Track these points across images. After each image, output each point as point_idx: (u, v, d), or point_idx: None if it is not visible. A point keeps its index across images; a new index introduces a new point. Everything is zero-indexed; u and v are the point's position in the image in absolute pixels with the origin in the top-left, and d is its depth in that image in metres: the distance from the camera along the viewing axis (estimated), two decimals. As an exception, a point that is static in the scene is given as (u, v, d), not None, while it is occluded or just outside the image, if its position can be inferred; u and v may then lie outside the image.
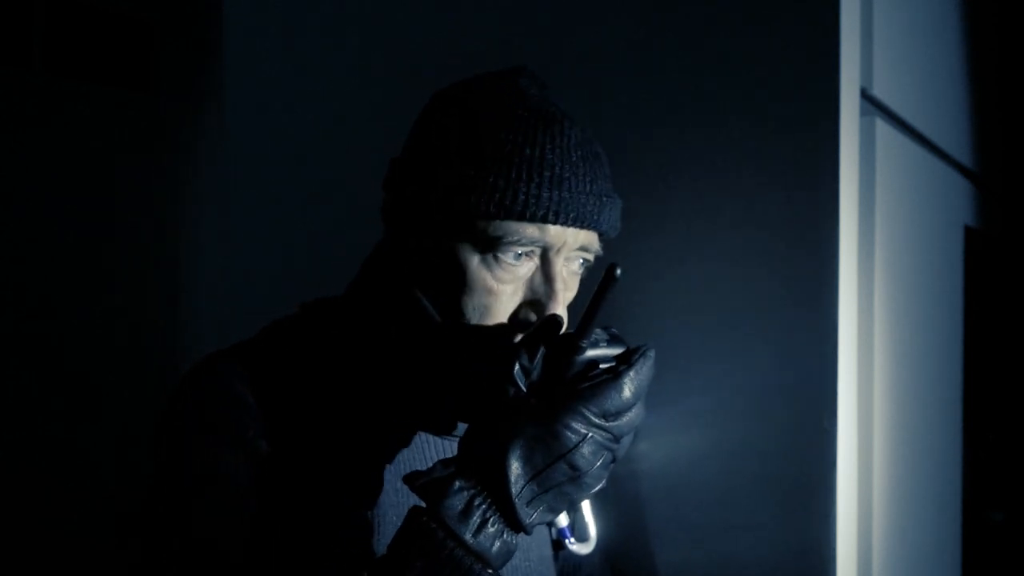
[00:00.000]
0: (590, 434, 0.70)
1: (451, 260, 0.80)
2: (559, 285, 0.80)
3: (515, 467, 0.69)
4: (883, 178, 1.17)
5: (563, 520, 0.90)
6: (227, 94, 1.49)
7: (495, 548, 0.70)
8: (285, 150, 1.43)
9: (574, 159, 0.80)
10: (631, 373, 0.73)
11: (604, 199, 0.81)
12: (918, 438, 1.37)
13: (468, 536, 0.68)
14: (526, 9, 1.22)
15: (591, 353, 0.75)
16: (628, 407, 0.73)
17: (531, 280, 0.81)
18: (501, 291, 0.80)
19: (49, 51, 2.64)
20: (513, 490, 0.69)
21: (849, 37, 1.06)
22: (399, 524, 0.72)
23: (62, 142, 2.65)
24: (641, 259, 1.13)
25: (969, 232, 1.74)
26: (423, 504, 0.71)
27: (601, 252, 0.85)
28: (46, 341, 2.61)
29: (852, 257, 1.08)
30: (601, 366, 0.75)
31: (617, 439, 0.73)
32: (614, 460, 0.74)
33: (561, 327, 0.77)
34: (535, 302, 0.81)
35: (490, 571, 0.69)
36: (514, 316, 0.81)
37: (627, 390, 0.72)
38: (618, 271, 0.70)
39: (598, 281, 0.72)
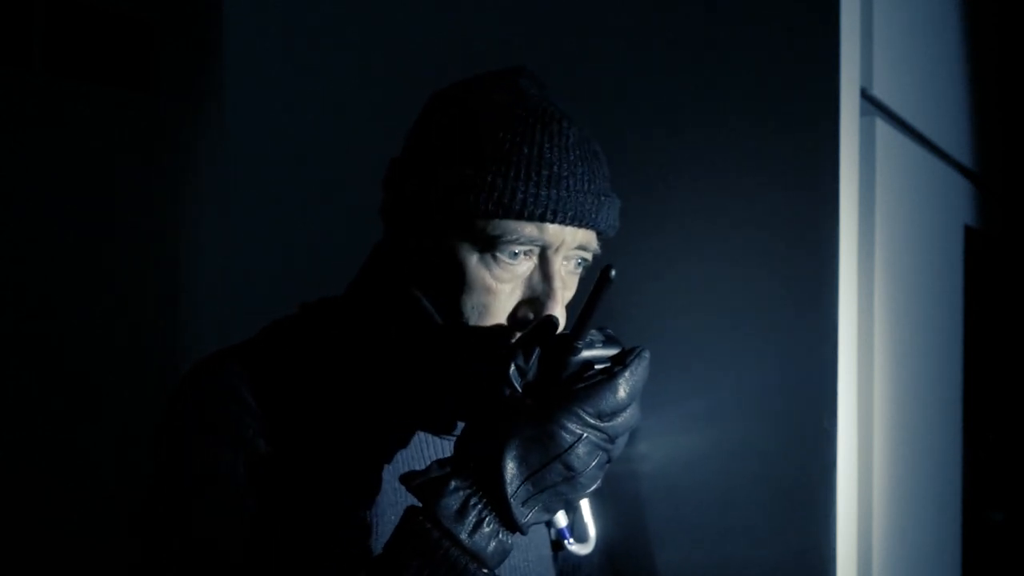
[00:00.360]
0: (585, 434, 0.71)
1: (450, 259, 0.80)
2: (557, 284, 0.80)
3: (510, 467, 0.70)
4: (883, 178, 1.17)
5: (562, 520, 0.90)
6: (227, 94, 1.49)
7: (491, 548, 0.70)
8: (285, 150, 1.43)
9: (572, 158, 0.80)
10: (626, 374, 0.73)
11: (602, 198, 0.81)
12: (918, 438, 1.37)
13: (464, 536, 0.69)
14: (526, 9, 1.22)
15: (586, 354, 0.75)
16: (623, 408, 0.73)
17: (530, 279, 0.81)
18: (500, 290, 0.80)
19: (49, 51, 2.64)
20: (508, 490, 0.69)
21: (849, 37, 1.06)
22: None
23: (62, 142, 2.65)
24: (641, 259, 1.13)
25: (969, 232, 1.74)
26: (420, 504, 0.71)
27: (600, 251, 0.85)
28: (46, 341, 2.61)
29: (852, 257, 1.08)
30: (596, 367, 0.75)
31: (612, 440, 0.73)
32: (609, 460, 0.74)
33: (557, 328, 0.77)
34: (534, 301, 0.81)
35: (485, 571, 0.70)
36: (513, 315, 0.81)
37: (622, 391, 0.72)
38: (613, 272, 0.70)
39: (593, 282, 0.72)
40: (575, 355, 0.74)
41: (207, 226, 2.92)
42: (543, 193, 0.77)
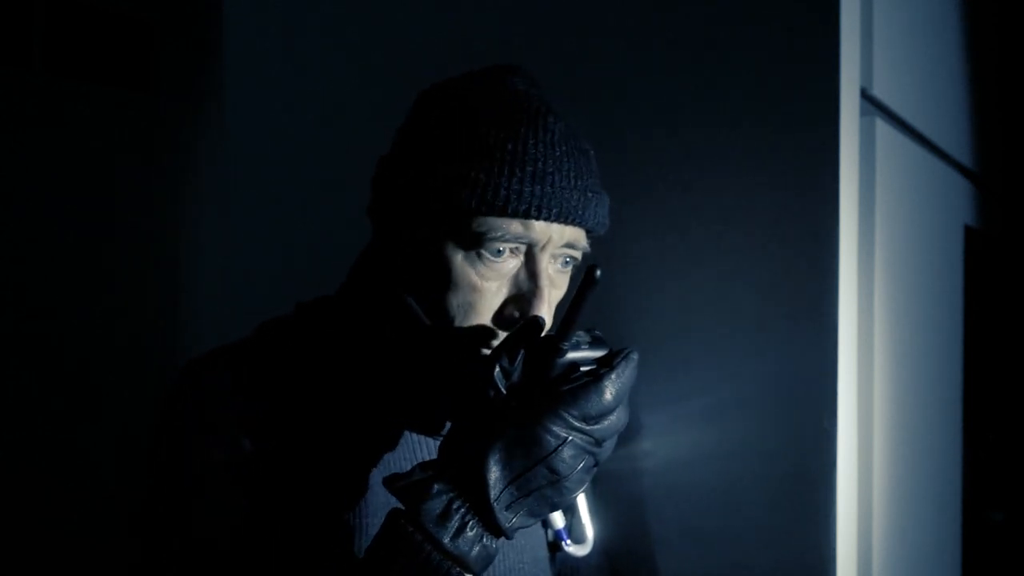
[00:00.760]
0: (570, 437, 0.70)
1: (436, 257, 0.79)
2: (544, 282, 0.79)
3: (494, 471, 0.69)
4: (883, 178, 1.17)
5: (559, 522, 0.90)
6: (227, 94, 1.49)
7: (474, 552, 0.69)
8: (285, 150, 1.43)
9: (558, 154, 0.78)
10: (612, 376, 0.72)
11: (590, 194, 0.80)
12: (918, 438, 1.37)
13: (446, 540, 0.68)
14: (526, 9, 1.22)
15: (572, 355, 0.74)
16: (609, 410, 0.72)
17: (516, 277, 0.80)
18: (486, 288, 0.79)
19: (49, 51, 2.64)
20: (492, 494, 0.68)
21: (849, 37, 1.06)
22: None
23: (62, 142, 2.65)
24: (640, 259, 1.13)
25: (969, 232, 1.74)
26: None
27: (589, 249, 0.84)
28: (46, 341, 2.61)
29: (852, 257, 1.08)
30: (583, 369, 0.74)
31: (599, 443, 0.72)
32: (596, 464, 0.73)
33: (542, 329, 0.76)
34: (520, 299, 0.80)
35: (469, 575, 0.69)
36: (499, 313, 0.80)
37: (608, 393, 0.71)
38: (598, 272, 0.69)
39: (578, 283, 0.71)
40: (560, 356, 0.73)
41: (207, 226, 2.92)
42: (527, 189, 0.76)
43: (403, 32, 1.32)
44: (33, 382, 2.57)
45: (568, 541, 0.91)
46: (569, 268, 0.84)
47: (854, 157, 1.09)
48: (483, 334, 0.80)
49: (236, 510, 0.78)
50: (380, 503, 0.82)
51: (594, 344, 0.76)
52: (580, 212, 0.79)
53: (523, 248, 0.79)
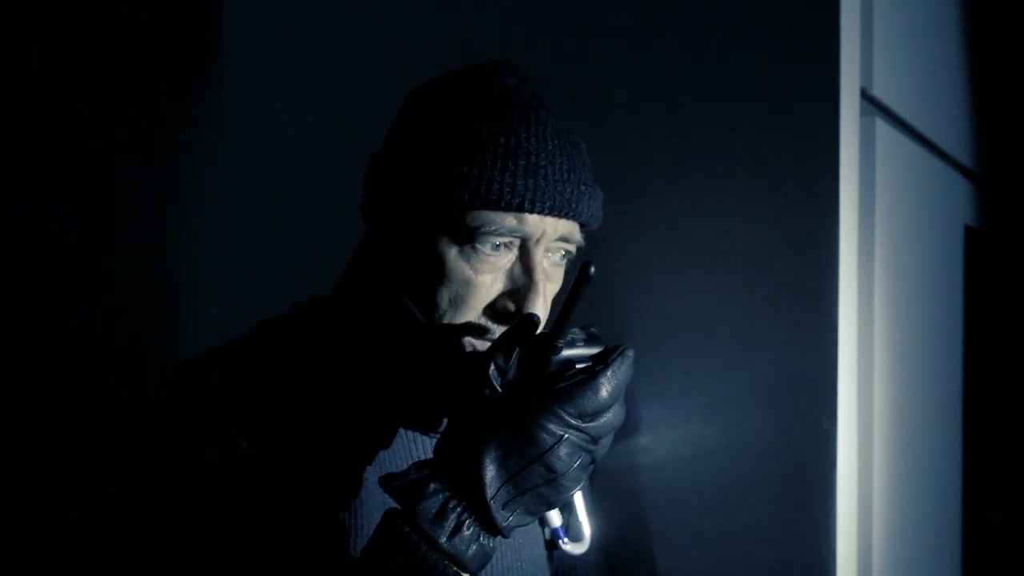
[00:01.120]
0: (566, 435, 0.69)
1: (430, 252, 0.79)
2: (539, 276, 0.79)
3: (490, 470, 0.68)
4: (883, 178, 1.17)
5: (557, 520, 0.89)
6: (227, 94, 1.49)
7: (471, 551, 0.69)
8: (285, 150, 1.43)
9: (550, 147, 0.78)
10: (608, 373, 0.71)
11: (583, 188, 0.80)
12: (918, 438, 1.37)
13: (443, 539, 0.68)
14: (526, 9, 1.22)
15: (567, 353, 0.73)
16: (605, 408, 0.71)
17: (511, 271, 0.80)
18: (480, 282, 0.79)
19: (49, 51, 2.64)
20: (488, 493, 0.68)
21: (849, 37, 1.06)
22: None
23: (62, 142, 2.65)
24: (640, 259, 1.13)
25: (969, 232, 1.74)
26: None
27: (583, 243, 0.84)
28: (46, 341, 2.61)
29: (852, 257, 1.08)
30: (578, 366, 0.74)
31: (595, 440, 0.71)
32: (593, 462, 0.73)
33: (537, 327, 0.76)
34: (514, 293, 0.79)
35: (466, 575, 0.69)
36: (492, 307, 0.80)
37: (604, 390, 0.71)
38: (592, 269, 0.68)
39: (572, 280, 0.71)
40: (556, 354, 0.73)
41: (207, 226, 2.92)
42: (520, 183, 0.76)
43: (403, 32, 1.32)
44: (33, 382, 2.57)
45: (565, 539, 0.90)
46: (564, 262, 0.84)
47: (854, 157, 1.09)
48: (477, 331, 0.80)
49: (235, 510, 0.78)
50: (376, 503, 0.82)
51: (589, 341, 0.76)
52: (574, 205, 0.79)
53: (517, 242, 0.79)
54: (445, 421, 0.87)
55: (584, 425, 0.70)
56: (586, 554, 0.94)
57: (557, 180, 0.78)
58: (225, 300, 1.55)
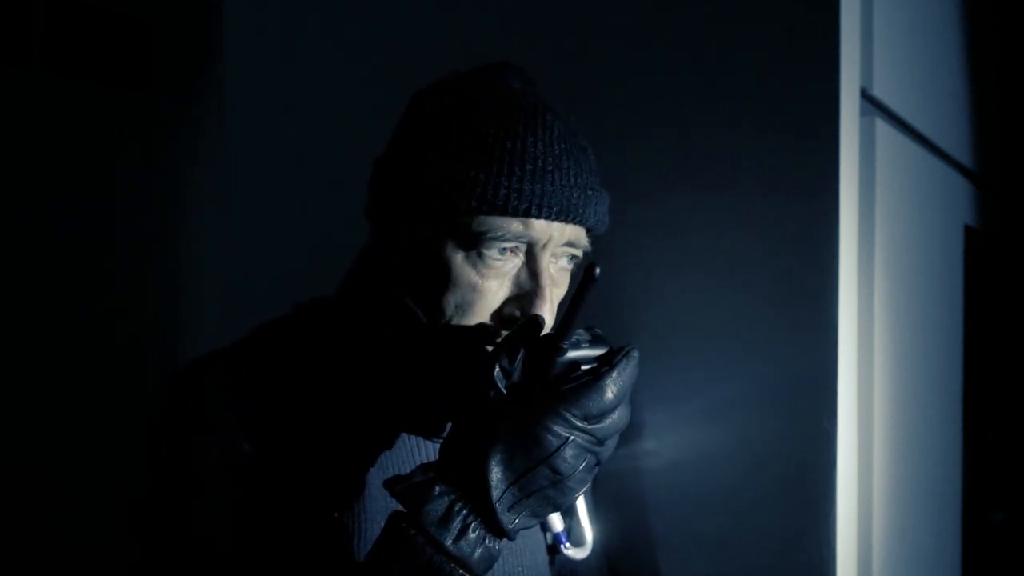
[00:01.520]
0: (572, 437, 0.69)
1: (435, 257, 0.78)
2: (546, 281, 0.79)
3: (495, 472, 0.68)
4: (883, 178, 1.17)
5: (558, 524, 0.89)
6: (227, 94, 1.49)
7: (476, 554, 0.68)
8: (285, 150, 1.43)
9: (557, 152, 0.78)
10: (613, 374, 0.71)
11: (589, 192, 0.79)
12: (918, 438, 1.37)
13: (448, 542, 0.67)
14: (526, 9, 1.22)
15: (572, 354, 0.73)
16: (611, 409, 0.71)
17: (517, 276, 0.79)
18: (486, 288, 0.78)
19: (49, 51, 2.64)
20: (494, 495, 0.68)
21: (849, 37, 1.06)
22: None
23: (62, 142, 2.65)
24: (641, 259, 1.13)
25: (969, 232, 1.74)
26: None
27: (589, 248, 0.83)
28: (46, 341, 2.61)
29: (852, 257, 1.08)
30: (583, 367, 0.73)
31: (600, 442, 0.71)
32: (598, 463, 0.72)
33: (542, 328, 0.76)
34: (521, 298, 0.79)
35: None
36: (498, 312, 0.80)
37: (609, 391, 0.70)
38: (597, 270, 0.68)
39: (577, 282, 0.71)
40: (561, 355, 0.72)
41: (207, 226, 2.92)
42: (527, 188, 0.75)
43: (403, 32, 1.32)
44: (33, 382, 2.57)
45: (567, 544, 0.90)
46: (570, 267, 0.83)
47: (854, 157, 1.09)
48: (482, 333, 0.80)
49: (235, 510, 0.78)
50: (379, 506, 0.82)
51: (594, 342, 0.76)
52: (580, 210, 0.78)
53: (523, 247, 0.79)
54: (449, 426, 0.86)
55: (590, 427, 0.70)
56: (588, 558, 0.94)
57: (564, 185, 0.77)
58: (225, 300, 1.55)
